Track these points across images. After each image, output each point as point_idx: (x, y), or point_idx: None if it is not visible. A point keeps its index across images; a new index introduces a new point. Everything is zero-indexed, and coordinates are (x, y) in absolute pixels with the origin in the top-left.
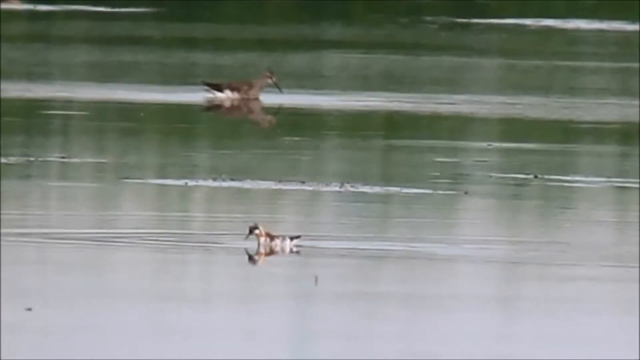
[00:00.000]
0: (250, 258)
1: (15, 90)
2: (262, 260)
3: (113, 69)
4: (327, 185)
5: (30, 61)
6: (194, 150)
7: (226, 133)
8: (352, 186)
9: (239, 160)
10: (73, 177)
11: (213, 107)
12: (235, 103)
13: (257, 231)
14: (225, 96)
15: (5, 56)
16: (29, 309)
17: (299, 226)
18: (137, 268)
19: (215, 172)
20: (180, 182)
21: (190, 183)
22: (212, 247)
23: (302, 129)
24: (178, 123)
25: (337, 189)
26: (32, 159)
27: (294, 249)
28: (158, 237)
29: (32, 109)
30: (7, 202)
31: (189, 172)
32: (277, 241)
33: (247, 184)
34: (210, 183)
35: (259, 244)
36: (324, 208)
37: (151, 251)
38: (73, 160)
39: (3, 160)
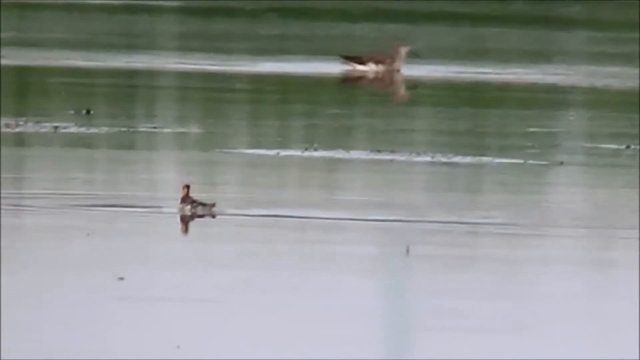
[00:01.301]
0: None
1: (114, 61)
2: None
3: (266, 41)
4: (418, 155)
5: (134, 32)
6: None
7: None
8: (443, 156)
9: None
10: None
11: (352, 80)
12: (379, 75)
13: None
14: (368, 69)
15: (102, 28)
16: (121, 278)
17: (388, 196)
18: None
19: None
20: (273, 152)
21: (283, 153)
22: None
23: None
24: (307, 94)
25: (428, 159)
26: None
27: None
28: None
29: (138, 78)
30: (99, 172)
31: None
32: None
33: (339, 154)
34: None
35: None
36: (415, 178)
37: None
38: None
39: (95, 130)
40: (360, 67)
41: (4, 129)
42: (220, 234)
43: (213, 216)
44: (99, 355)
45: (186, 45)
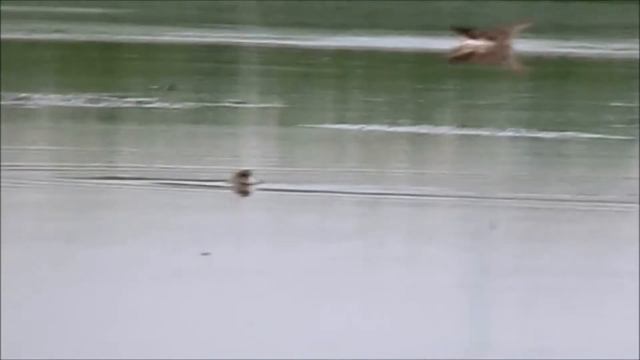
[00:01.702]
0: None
1: (198, 36)
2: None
3: (355, 17)
4: (502, 130)
5: (218, 6)
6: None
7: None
8: (528, 131)
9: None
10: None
11: (464, 56)
12: (490, 50)
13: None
14: (480, 44)
15: (186, 3)
16: (207, 254)
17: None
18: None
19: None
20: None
21: (367, 128)
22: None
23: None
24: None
25: (512, 134)
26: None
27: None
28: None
29: (219, 53)
30: (181, 148)
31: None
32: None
33: (423, 129)
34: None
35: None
36: (499, 153)
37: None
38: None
39: (179, 105)
40: (472, 42)
41: (87, 104)
42: (307, 210)
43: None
44: (178, 329)
45: (271, 20)
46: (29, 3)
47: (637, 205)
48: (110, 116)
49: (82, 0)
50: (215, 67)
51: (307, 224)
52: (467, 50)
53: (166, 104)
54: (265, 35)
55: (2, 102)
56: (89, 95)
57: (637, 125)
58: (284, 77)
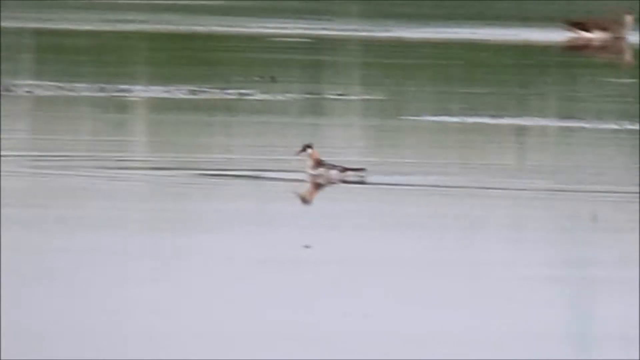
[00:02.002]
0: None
1: (299, 28)
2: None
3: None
4: (604, 122)
5: None
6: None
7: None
8: (631, 123)
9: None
10: None
11: (577, 48)
12: (605, 43)
13: (309, 150)
14: (594, 36)
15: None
16: (307, 246)
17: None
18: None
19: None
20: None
21: (469, 120)
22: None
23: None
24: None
25: (615, 126)
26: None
27: (346, 179)
28: None
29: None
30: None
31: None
32: (323, 169)
33: (526, 121)
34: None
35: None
36: (602, 145)
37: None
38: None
39: (280, 97)
40: (585, 35)
41: (189, 95)
42: (408, 202)
43: (346, 182)
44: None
45: (369, 11)
46: None
47: None
48: (209, 107)
49: None
50: (315, 59)
51: (409, 215)
52: (581, 43)
53: (267, 96)
54: (365, 27)
55: (103, 94)
56: (189, 87)
57: None
58: (385, 69)
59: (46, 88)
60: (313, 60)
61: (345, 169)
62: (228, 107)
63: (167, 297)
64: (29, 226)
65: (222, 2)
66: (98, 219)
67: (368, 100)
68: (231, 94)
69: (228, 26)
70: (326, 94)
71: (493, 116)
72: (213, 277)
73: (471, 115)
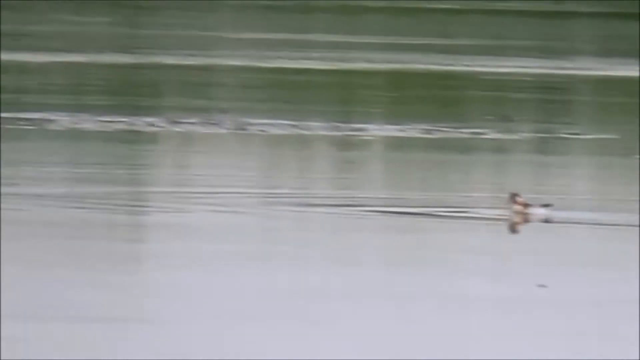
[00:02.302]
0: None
1: (531, 67)
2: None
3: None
4: None
5: (554, 36)
6: None
7: None
8: None
9: None
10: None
11: None
12: None
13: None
14: None
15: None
16: (542, 285)
17: None
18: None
19: None
20: None
21: None
22: None
23: None
24: None
25: None
26: (543, 135)
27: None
28: None
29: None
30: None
31: None
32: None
33: None
34: None
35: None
36: None
37: None
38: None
39: (514, 136)
40: None
41: (423, 134)
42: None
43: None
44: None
45: (606, 48)
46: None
47: None
48: (443, 147)
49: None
50: (549, 97)
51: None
52: None
53: (501, 135)
54: (598, 65)
55: (338, 133)
56: (424, 126)
57: None
58: (619, 108)
59: (280, 127)
60: (546, 99)
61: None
62: (462, 146)
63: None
64: (252, 260)
65: (458, 42)
66: (330, 254)
67: (601, 139)
68: (465, 133)
69: (464, 65)
70: (560, 133)
71: None
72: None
73: None
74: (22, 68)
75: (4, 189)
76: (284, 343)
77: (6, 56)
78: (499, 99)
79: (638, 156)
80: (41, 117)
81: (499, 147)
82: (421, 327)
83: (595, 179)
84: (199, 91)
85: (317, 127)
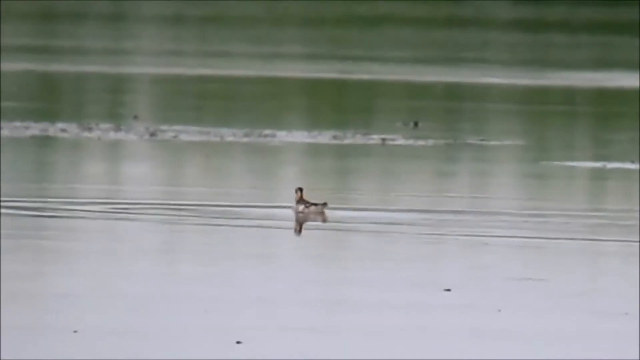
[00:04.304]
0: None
1: (438, 75)
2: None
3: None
4: None
5: (463, 44)
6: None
7: None
8: None
9: None
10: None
11: None
12: None
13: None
14: None
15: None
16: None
17: None
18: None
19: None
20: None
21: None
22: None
23: None
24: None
25: None
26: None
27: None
28: None
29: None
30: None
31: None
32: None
33: None
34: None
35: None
36: None
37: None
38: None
39: (422, 142)
40: None
41: (331, 140)
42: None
43: (323, 220)
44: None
45: (514, 59)
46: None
47: None
48: (349, 152)
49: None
50: (458, 106)
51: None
52: None
53: (410, 141)
54: (510, 74)
55: (249, 139)
56: (333, 133)
57: None
58: (524, 116)
59: (191, 134)
60: (454, 108)
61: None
62: (370, 152)
63: None
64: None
65: (379, 53)
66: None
67: (509, 146)
68: (374, 139)
69: (373, 73)
70: (468, 140)
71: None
72: None
73: (611, 161)
74: None
75: None
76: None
77: None
78: (405, 106)
79: (544, 161)
80: None
81: (408, 153)
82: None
83: (514, 185)
84: (113, 99)
85: (227, 134)
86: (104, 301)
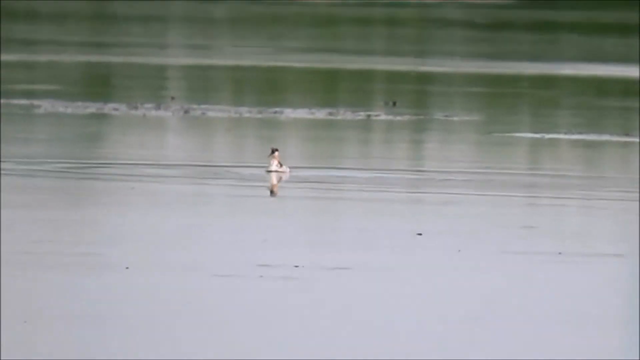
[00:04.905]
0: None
1: (408, 64)
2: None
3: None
4: None
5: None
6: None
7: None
8: None
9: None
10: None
11: None
12: None
13: (275, 153)
14: None
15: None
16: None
17: None
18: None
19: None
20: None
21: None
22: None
23: None
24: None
25: None
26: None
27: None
28: None
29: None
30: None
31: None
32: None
33: (591, 137)
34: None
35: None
36: None
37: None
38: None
39: (399, 118)
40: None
41: (327, 116)
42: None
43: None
44: None
45: (473, 51)
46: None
47: None
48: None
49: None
50: (426, 88)
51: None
52: None
53: (390, 117)
54: (468, 64)
55: (261, 115)
56: (328, 110)
57: None
58: (485, 97)
59: (216, 111)
60: (424, 90)
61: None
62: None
63: None
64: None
65: (369, 46)
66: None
67: (469, 121)
68: (360, 115)
69: (352, 62)
70: (435, 116)
71: (567, 133)
72: None
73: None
74: (28, 65)
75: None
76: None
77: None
78: (385, 89)
79: (497, 134)
80: (30, 103)
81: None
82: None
83: (471, 152)
84: (154, 84)
85: (245, 111)
86: (153, 238)
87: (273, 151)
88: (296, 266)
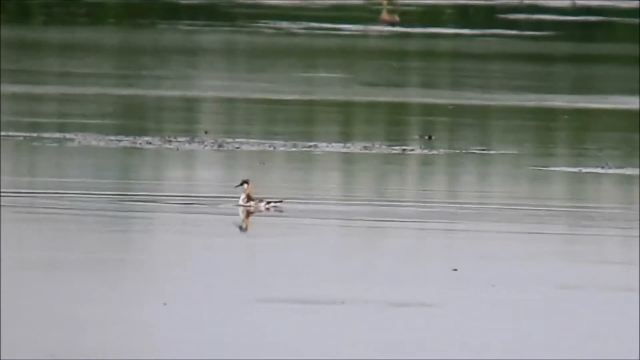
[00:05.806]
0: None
1: (457, 98)
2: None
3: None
4: None
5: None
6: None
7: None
8: None
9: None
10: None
11: None
12: None
13: (245, 185)
14: None
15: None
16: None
17: None
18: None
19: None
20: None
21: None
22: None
23: None
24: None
25: None
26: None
27: (270, 209)
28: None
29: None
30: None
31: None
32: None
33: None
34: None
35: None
36: None
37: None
38: None
39: (435, 151)
40: None
41: (362, 150)
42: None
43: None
44: None
45: (519, 85)
46: None
47: None
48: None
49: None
50: (466, 121)
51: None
52: None
53: (425, 151)
54: (511, 96)
55: (295, 149)
56: (364, 143)
57: None
58: (527, 130)
59: (250, 145)
60: (464, 122)
61: (268, 202)
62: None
63: None
64: None
65: (402, 78)
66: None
67: (507, 154)
68: (396, 149)
69: (401, 96)
70: (472, 150)
71: (603, 167)
72: None
73: (585, 166)
74: (42, 97)
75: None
76: None
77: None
78: (419, 122)
79: (534, 167)
80: (62, 136)
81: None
82: None
83: (508, 185)
84: (188, 117)
85: (279, 145)
86: (188, 271)
87: (242, 183)
88: (342, 302)
